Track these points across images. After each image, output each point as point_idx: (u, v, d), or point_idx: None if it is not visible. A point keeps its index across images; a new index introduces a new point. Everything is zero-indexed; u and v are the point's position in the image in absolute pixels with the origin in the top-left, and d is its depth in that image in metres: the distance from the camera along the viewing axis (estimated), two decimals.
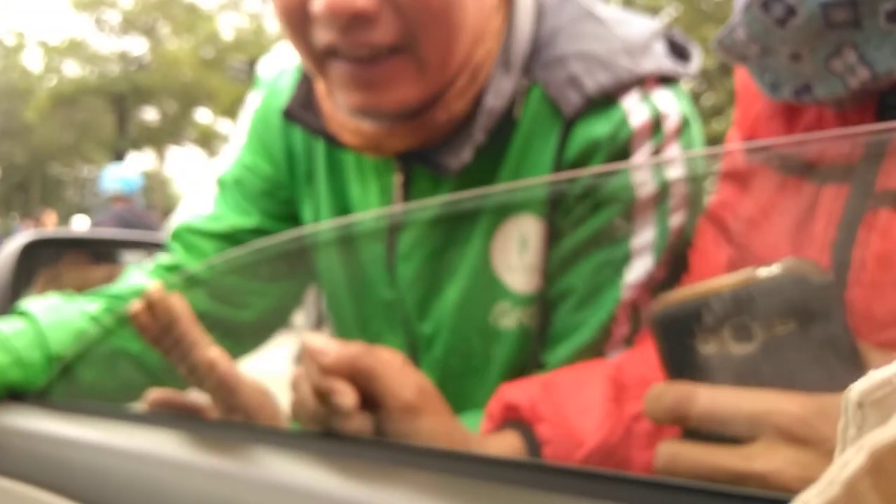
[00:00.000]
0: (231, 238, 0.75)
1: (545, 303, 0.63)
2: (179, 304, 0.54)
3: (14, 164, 20.50)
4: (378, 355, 0.46)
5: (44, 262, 0.86)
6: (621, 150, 0.59)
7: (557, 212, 0.61)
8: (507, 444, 0.50)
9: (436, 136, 0.62)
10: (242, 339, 0.77)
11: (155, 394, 0.59)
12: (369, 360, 0.45)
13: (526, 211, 0.62)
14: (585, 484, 0.32)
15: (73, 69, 19.81)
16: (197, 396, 0.58)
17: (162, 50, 19.03)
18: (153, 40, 19.54)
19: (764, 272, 0.32)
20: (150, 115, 20.55)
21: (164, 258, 0.77)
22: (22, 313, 0.70)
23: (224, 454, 0.45)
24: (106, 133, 20.08)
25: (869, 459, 0.15)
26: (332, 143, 0.66)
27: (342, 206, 0.72)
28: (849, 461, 0.15)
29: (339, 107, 0.62)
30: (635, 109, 0.59)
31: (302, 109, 0.67)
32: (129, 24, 19.37)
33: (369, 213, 0.70)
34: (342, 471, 0.40)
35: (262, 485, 0.40)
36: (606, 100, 0.59)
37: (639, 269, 0.59)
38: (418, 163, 0.64)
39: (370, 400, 0.45)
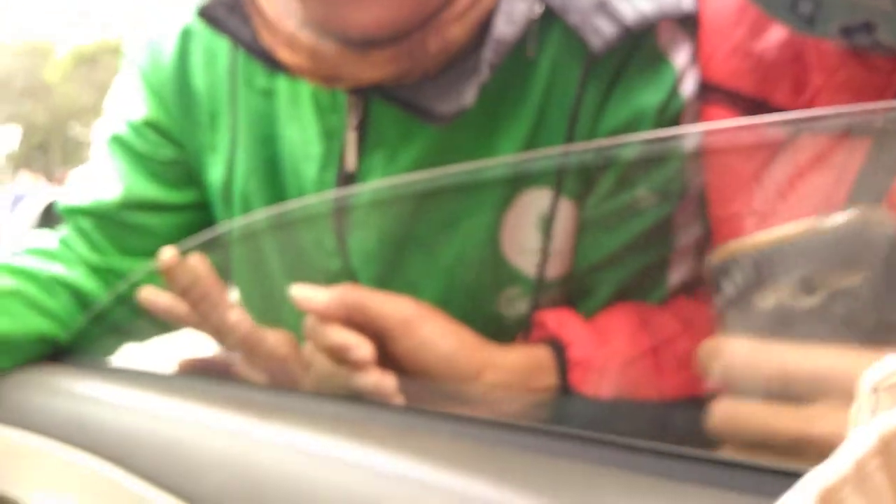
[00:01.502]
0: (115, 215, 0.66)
1: (568, 287, 0.54)
2: (201, 264, 0.51)
3: (34, 125, 20.61)
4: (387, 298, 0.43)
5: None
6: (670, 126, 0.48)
7: (584, 185, 0.51)
8: (534, 357, 0.48)
9: (418, 71, 0.48)
10: None
11: (185, 355, 0.58)
12: (375, 302, 0.42)
13: (545, 184, 0.51)
14: (629, 457, 0.30)
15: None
16: (225, 355, 0.57)
17: None
18: None
19: (828, 221, 0.30)
20: None
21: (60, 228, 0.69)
22: None
23: (249, 416, 0.44)
24: None
25: (879, 441, 0.15)
26: (262, 62, 0.52)
27: (267, 156, 0.58)
28: (860, 441, 0.15)
29: (288, 13, 0.48)
30: (690, 72, 0.49)
31: (225, 11, 0.52)
32: None
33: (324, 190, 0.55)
34: (365, 437, 0.38)
35: (283, 448, 0.39)
36: (653, 53, 0.49)
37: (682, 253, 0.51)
38: (393, 103, 0.50)
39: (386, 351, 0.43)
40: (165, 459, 0.44)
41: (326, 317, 0.42)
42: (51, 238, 0.67)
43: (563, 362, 0.46)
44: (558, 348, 0.47)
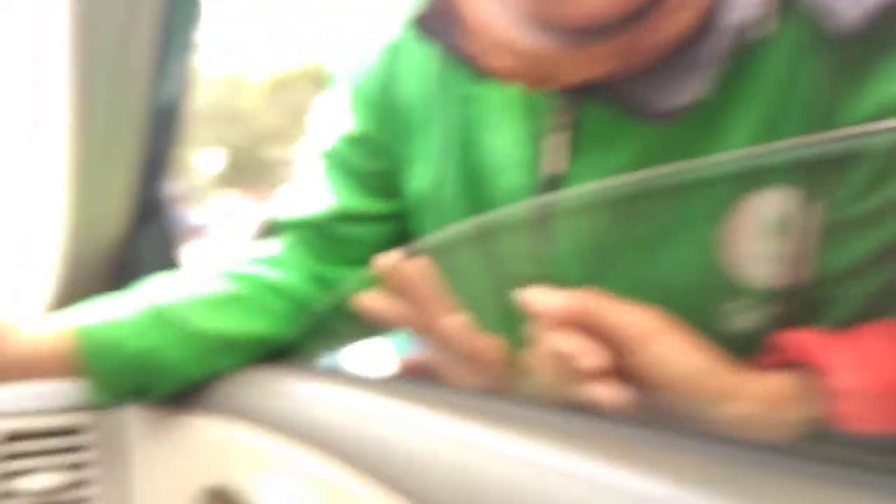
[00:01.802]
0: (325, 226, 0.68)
1: (803, 301, 0.49)
2: (420, 268, 0.51)
3: (233, 146, 22.42)
4: (627, 309, 0.40)
5: None
6: None
7: (830, 182, 0.45)
8: (787, 384, 0.42)
9: (637, 65, 0.45)
10: None
11: (406, 359, 0.59)
12: (616, 312, 0.40)
13: (780, 182, 0.46)
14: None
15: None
16: (440, 359, 0.57)
17: None
18: None
19: None
20: None
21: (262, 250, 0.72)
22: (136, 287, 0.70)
23: (470, 421, 0.43)
24: None
25: None
26: (471, 69, 0.50)
27: (472, 163, 0.57)
28: None
29: (500, 16, 0.45)
30: None
31: (435, 20, 0.51)
32: None
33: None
34: (592, 450, 0.36)
35: (508, 457, 0.38)
36: None
37: None
38: (607, 101, 0.47)
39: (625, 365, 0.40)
40: (386, 460, 0.44)
41: (559, 322, 0.40)
42: (271, 247, 0.71)
43: (822, 392, 0.40)
44: (812, 374, 0.41)
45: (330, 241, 0.68)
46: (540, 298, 0.41)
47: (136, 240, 0.81)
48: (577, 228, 0.53)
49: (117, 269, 0.82)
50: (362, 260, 0.63)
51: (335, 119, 0.68)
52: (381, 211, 0.67)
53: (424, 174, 0.62)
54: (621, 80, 0.46)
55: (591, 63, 0.44)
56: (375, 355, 0.75)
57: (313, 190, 0.69)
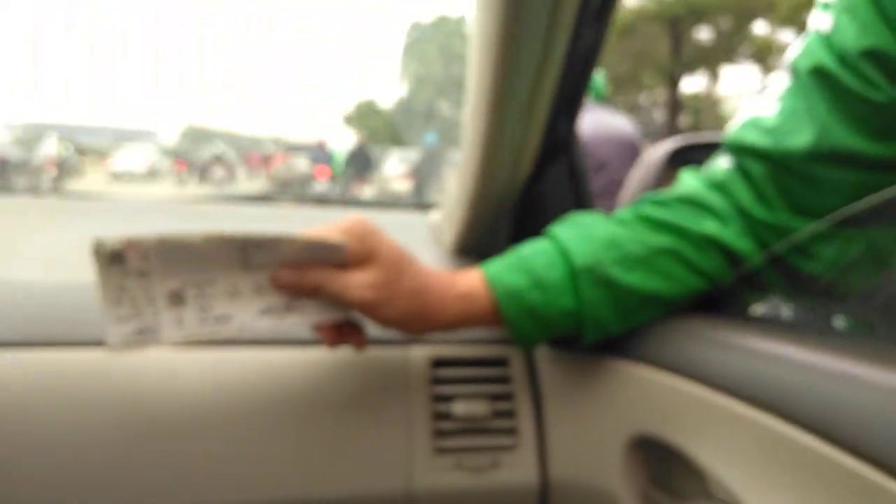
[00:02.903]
0: (788, 164, 0.57)
1: None
2: None
3: None
4: None
5: (688, 165, 0.85)
6: None
7: None
8: None
9: None
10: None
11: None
12: None
13: None
14: None
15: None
16: None
17: None
18: None
19: None
20: (703, 34, 20.41)
21: (715, 170, 0.64)
22: (547, 234, 0.66)
23: None
24: (660, 59, 20.70)
25: None
26: None
27: None
28: None
29: None
30: None
31: None
32: None
33: None
34: None
35: None
36: None
37: None
38: None
39: None
40: (836, 420, 0.42)
41: None
42: (703, 182, 0.64)
43: None
44: None
45: (794, 183, 0.58)
46: None
47: (543, 179, 0.81)
48: None
49: (523, 209, 0.83)
50: (827, 211, 0.54)
51: (835, 28, 0.56)
52: (873, 153, 0.55)
53: None
54: None
55: None
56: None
57: (785, 115, 0.59)
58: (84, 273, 0.55)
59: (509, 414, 0.74)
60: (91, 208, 1.01)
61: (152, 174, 20.84)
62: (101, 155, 25.60)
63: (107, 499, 0.62)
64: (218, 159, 20.38)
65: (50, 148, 16.23)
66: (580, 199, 0.82)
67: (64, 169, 16.27)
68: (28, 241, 0.85)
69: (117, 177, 20.17)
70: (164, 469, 0.63)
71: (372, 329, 0.64)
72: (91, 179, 18.60)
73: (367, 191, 12.19)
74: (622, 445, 0.64)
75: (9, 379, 0.62)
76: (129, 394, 0.64)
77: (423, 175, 11.10)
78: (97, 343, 0.64)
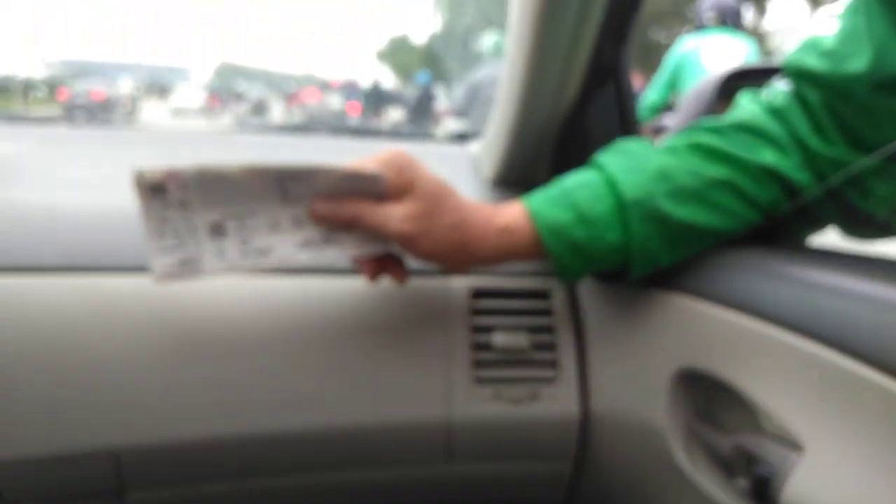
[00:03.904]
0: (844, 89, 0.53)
1: None
2: None
3: None
4: None
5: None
6: None
7: None
8: None
9: None
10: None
11: None
12: None
13: None
14: None
15: None
16: None
17: None
18: None
19: None
20: None
21: (774, 94, 0.60)
22: (593, 163, 0.63)
23: None
24: None
25: None
26: None
27: None
28: None
29: None
30: None
31: None
32: None
33: None
34: None
35: None
36: None
37: None
38: None
39: None
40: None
41: None
42: (762, 107, 0.61)
43: None
44: None
45: (854, 113, 0.54)
46: None
47: (588, 106, 0.78)
48: None
49: (567, 137, 0.81)
50: (880, 146, 0.51)
51: None
52: None
53: None
54: None
55: None
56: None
57: (845, 37, 0.55)
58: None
59: (550, 347, 0.73)
60: (156, 139, 1.01)
61: (201, 111, 21.60)
62: (159, 93, 27.71)
63: (150, 422, 0.62)
64: (251, 97, 20.83)
65: (125, 86, 18.05)
66: (627, 128, 0.79)
67: (135, 105, 18.46)
68: (95, 169, 0.84)
69: (177, 112, 21.00)
70: (207, 394, 0.64)
71: (412, 261, 0.63)
72: (152, 114, 19.70)
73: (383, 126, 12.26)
74: (667, 379, 0.63)
75: (54, 304, 0.62)
76: (172, 320, 0.64)
77: (418, 115, 10.99)
78: (141, 269, 0.64)
